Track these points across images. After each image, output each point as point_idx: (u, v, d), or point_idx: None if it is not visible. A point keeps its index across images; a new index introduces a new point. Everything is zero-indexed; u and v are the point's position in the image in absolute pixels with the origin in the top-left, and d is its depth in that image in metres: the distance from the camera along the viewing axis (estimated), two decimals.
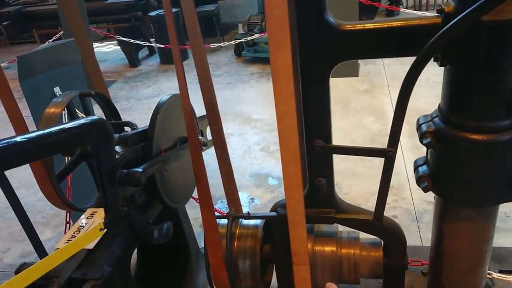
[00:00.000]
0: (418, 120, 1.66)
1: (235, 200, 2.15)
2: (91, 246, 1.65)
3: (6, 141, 1.06)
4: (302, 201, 1.66)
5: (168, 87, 5.81)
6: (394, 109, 1.49)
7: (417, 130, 1.65)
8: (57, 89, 2.54)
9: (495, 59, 1.29)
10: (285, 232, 1.96)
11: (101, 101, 2.06)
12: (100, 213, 1.80)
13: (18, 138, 1.10)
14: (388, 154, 1.57)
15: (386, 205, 2.96)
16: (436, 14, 1.39)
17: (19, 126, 1.74)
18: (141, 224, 1.77)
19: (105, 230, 1.57)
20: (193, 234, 2.39)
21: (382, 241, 1.91)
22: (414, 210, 2.80)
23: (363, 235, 1.96)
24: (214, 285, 1.99)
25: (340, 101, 4.47)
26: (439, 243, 1.82)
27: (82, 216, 1.84)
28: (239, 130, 4.26)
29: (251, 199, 3.19)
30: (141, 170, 1.56)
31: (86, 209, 1.92)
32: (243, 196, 3.23)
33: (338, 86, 4.79)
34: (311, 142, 1.68)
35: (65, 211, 2.97)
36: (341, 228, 1.99)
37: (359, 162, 3.36)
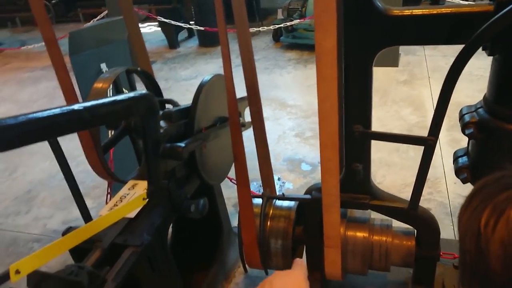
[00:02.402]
0: (461, 110, 1.63)
1: (269, 182, 2.19)
2: (132, 215, 1.73)
3: (65, 108, 1.13)
4: (337, 185, 1.68)
5: (205, 69, 5.88)
6: (434, 101, 1.49)
7: (459, 120, 1.63)
8: (103, 66, 2.63)
9: None
10: (318, 215, 1.99)
11: (145, 78, 2.13)
12: (141, 185, 1.88)
13: (75, 106, 1.17)
14: (428, 143, 1.56)
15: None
16: (488, 1, 1.36)
17: (70, 97, 1.82)
18: (180, 197, 1.83)
19: (147, 200, 1.65)
20: (227, 213, 2.45)
21: (415, 231, 1.91)
22: (449, 203, 2.76)
23: (395, 224, 1.97)
24: (246, 262, 2.05)
25: (378, 91, 4.40)
26: None
27: (124, 186, 1.92)
28: (274, 115, 4.28)
29: (283, 183, 3.22)
30: (184, 145, 1.62)
31: (128, 181, 2.01)
32: (275, 180, 3.26)
33: (376, 75, 4.65)
34: (350, 127, 1.69)
35: (106, 183, 3.10)
36: (373, 215, 2.00)
37: (394, 153, 3.32)
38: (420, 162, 1.64)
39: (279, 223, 1.99)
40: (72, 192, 1.67)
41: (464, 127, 1.53)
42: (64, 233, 1.69)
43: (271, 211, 2.03)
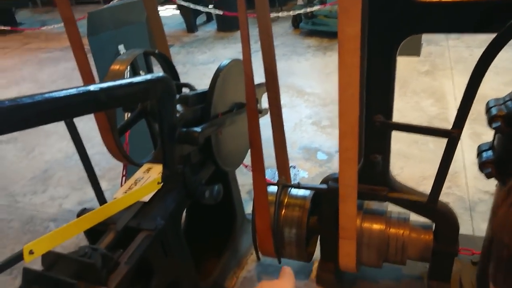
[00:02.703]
0: (488, 103, 1.57)
1: (285, 169, 2.16)
2: (146, 199, 1.72)
3: (81, 89, 1.11)
4: (355, 175, 1.64)
5: (223, 54, 5.83)
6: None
7: (486, 113, 1.57)
8: (121, 47, 2.61)
9: None
10: (334, 206, 1.96)
11: (163, 61, 2.10)
12: (156, 168, 1.87)
13: (91, 87, 1.15)
14: (452, 135, 1.51)
15: None
16: None
17: (87, 78, 1.81)
18: (194, 183, 1.82)
19: (162, 184, 1.63)
20: (240, 199, 2.44)
21: (433, 225, 1.87)
22: (468, 198, 2.69)
23: (412, 217, 1.92)
24: (259, 250, 2.04)
25: (398, 81, 4.25)
26: None
27: (139, 170, 1.92)
28: (291, 102, 4.23)
29: (298, 171, 3.19)
30: (200, 130, 1.59)
31: (143, 164, 2.01)
32: (290, 168, 3.23)
33: (397, 65, 4.60)
34: (370, 116, 1.64)
35: (121, 165, 3.11)
36: (390, 208, 1.95)
37: (413, 145, 3.25)
38: (443, 155, 1.59)
39: (293, 212, 1.96)
40: (88, 174, 1.66)
41: (491, 120, 1.47)
42: (79, 214, 1.69)
43: (286, 200, 2.01)
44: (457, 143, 1.53)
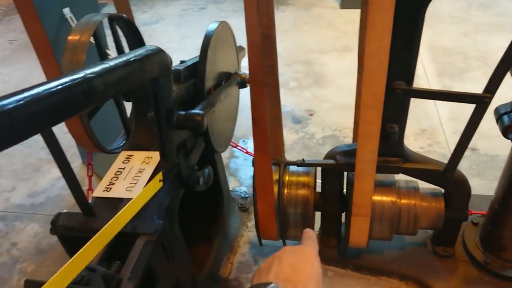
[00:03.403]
0: None
1: (279, 146, 1.95)
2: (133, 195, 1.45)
3: (73, 77, 0.81)
4: (376, 150, 1.49)
5: (166, 13, 5.32)
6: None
7: None
8: (66, 11, 2.18)
9: None
10: (340, 181, 1.81)
11: (127, 28, 1.75)
12: (137, 156, 1.59)
13: (84, 73, 0.85)
14: (484, 100, 1.38)
15: (420, 150, 2.81)
16: None
17: (44, 52, 1.45)
18: (188, 171, 1.57)
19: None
20: (226, 180, 2.22)
21: (442, 191, 1.79)
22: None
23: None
24: (260, 233, 1.86)
25: (353, 37, 4.18)
26: (508, 197, 1.71)
27: (118, 159, 1.63)
28: None
29: (244, 141, 3.00)
30: (202, 111, 1.32)
31: (116, 152, 1.72)
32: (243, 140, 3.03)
33: (355, 18, 4.46)
34: (390, 83, 1.46)
35: (75, 147, 2.74)
36: (397, 177, 1.84)
37: None
38: (469, 122, 1.46)
39: (298, 190, 1.79)
40: (60, 167, 1.32)
41: None
42: (54, 221, 1.39)
43: (287, 178, 1.82)
44: (487, 108, 1.41)
